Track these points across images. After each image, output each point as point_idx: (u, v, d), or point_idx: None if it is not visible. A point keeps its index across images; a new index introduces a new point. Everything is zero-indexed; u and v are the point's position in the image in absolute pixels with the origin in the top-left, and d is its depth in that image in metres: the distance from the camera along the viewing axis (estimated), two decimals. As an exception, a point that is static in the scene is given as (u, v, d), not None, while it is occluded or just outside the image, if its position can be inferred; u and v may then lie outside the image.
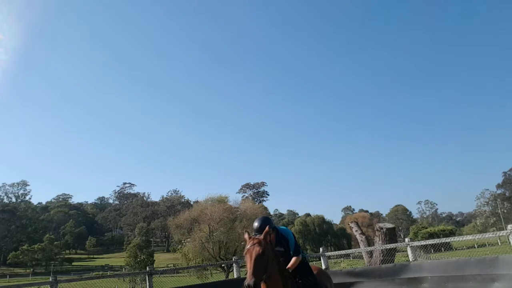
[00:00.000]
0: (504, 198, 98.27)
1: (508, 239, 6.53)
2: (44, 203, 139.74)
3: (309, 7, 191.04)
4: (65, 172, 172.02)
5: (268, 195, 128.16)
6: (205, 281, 29.57)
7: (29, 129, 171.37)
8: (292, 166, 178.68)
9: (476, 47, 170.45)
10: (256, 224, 4.81)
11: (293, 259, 4.74)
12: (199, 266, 39.04)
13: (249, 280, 3.85)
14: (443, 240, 8.15)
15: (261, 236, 4.34)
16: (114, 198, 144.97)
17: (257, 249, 4.12)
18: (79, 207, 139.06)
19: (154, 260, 65.35)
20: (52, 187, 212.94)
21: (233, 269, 10.79)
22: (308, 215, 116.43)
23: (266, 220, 4.92)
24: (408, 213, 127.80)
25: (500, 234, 6.99)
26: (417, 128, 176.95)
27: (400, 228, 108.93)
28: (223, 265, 35.80)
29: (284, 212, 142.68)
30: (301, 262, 4.89)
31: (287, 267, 4.63)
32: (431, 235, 67.57)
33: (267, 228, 4.63)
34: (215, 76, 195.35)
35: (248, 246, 4.21)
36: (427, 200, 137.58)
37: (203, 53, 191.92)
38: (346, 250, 15.17)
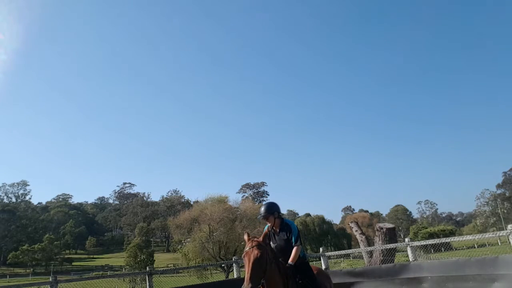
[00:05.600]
0: (504, 198, 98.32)
1: (508, 239, 6.52)
2: (44, 203, 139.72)
3: (310, 7, 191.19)
4: (65, 172, 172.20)
5: (268, 195, 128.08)
6: (205, 281, 29.56)
7: (29, 129, 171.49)
8: (292, 166, 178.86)
9: (476, 46, 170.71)
10: (262, 209, 4.98)
11: (294, 249, 4.78)
12: (199, 266, 39.04)
13: (246, 285, 3.89)
14: (443, 240, 8.13)
15: (260, 238, 4.36)
16: (114, 198, 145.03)
17: (255, 252, 4.12)
18: (79, 207, 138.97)
19: (154, 260, 65.34)
20: (52, 187, 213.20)
21: (233, 269, 10.79)
22: (308, 215, 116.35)
23: (272, 205, 5.03)
24: (408, 213, 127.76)
25: (500, 234, 6.97)
26: (417, 128, 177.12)
27: (400, 228, 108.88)
28: (223, 265, 35.82)
29: (284, 212, 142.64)
30: (301, 262, 4.92)
31: (289, 261, 4.67)
32: (431, 235, 67.53)
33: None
34: (215, 76, 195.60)
35: (247, 249, 4.23)
36: (427, 200, 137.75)
37: (203, 53, 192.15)
38: (346, 250, 15.15)
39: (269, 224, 5.01)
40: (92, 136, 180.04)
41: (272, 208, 4.96)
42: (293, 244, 4.83)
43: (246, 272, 4.04)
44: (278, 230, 5.01)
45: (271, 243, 4.98)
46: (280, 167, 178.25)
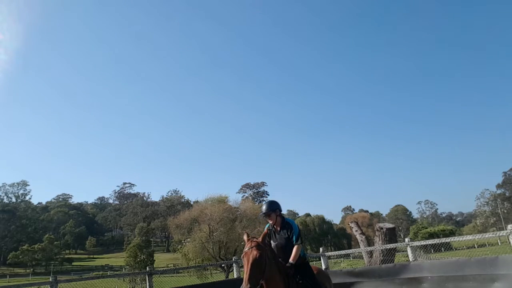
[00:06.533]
0: (504, 198, 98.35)
1: (508, 239, 6.52)
2: (44, 203, 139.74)
3: (309, 7, 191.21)
4: (65, 172, 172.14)
5: (268, 195, 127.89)
6: (205, 281, 29.55)
7: (29, 129, 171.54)
8: (292, 166, 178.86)
9: (475, 47, 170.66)
10: (264, 206, 5.06)
11: (295, 248, 4.81)
12: (199, 266, 39.02)
13: (244, 286, 3.92)
14: (443, 240, 8.12)
15: (259, 239, 4.37)
16: (114, 198, 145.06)
17: (254, 253, 4.14)
18: (79, 207, 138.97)
19: (154, 260, 65.36)
20: (52, 187, 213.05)
21: (233, 269, 10.79)
22: (308, 215, 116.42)
23: (274, 203, 5.12)
24: (408, 213, 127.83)
25: (500, 234, 6.97)
26: (417, 128, 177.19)
27: (400, 228, 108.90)
28: (223, 265, 35.81)
29: (284, 212, 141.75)
30: (301, 262, 4.93)
31: (290, 260, 4.69)
32: (431, 235, 67.50)
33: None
34: (215, 76, 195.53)
35: (246, 249, 4.24)
36: (427, 200, 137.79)
37: (203, 53, 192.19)
38: (346, 250, 15.11)
39: (270, 223, 5.05)
40: (92, 136, 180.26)
41: (274, 206, 5.03)
42: (294, 243, 4.86)
43: (245, 273, 4.06)
44: (279, 229, 5.04)
45: (271, 241, 5.00)
46: (279, 167, 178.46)
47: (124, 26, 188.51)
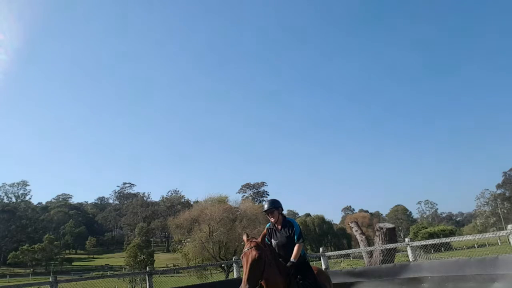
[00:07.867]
0: (504, 198, 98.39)
1: (508, 239, 6.53)
2: (44, 203, 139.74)
3: (312, 5, 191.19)
4: (65, 172, 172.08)
5: (268, 195, 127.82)
6: (205, 281, 29.55)
7: (29, 129, 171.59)
8: (292, 166, 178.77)
9: (477, 44, 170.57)
10: (266, 204, 5.14)
11: (296, 246, 4.84)
12: (199, 266, 39.04)
13: (243, 286, 3.93)
14: (443, 240, 8.13)
15: (259, 239, 4.37)
16: (114, 198, 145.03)
17: (253, 253, 4.15)
18: (79, 207, 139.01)
19: (154, 260, 65.41)
20: (52, 187, 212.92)
21: (233, 269, 10.80)
22: (308, 215, 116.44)
23: (276, 201, 5.19)
24: (408, 213, 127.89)
25: (500, 234, 6.98)
26: (417, 127, 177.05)
27: (400, 228, 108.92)
28: (223, 265, 35.82)
29: (284, 212, 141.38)
30: (301, 262, 4.93)
31: (291, 259, 4.71)
32: (431, 235, 67.57)
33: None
34: (216, 76, 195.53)
35: (245, 250, 4.25)
36: (427, 200, 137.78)
37: (205, 52, 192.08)
38: (346, 250, 15.14)
39: (272, 221, 5.08)
40: (92, 136, 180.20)
41: (277, 204, 5.11)
42: (296, 241, 4.88)
43: (244, 273, 4.08)
44: (280, 227, 5.07)
45: (272, 239, 5.01)
46: (280, 167, 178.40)
47: (125, 24, 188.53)
